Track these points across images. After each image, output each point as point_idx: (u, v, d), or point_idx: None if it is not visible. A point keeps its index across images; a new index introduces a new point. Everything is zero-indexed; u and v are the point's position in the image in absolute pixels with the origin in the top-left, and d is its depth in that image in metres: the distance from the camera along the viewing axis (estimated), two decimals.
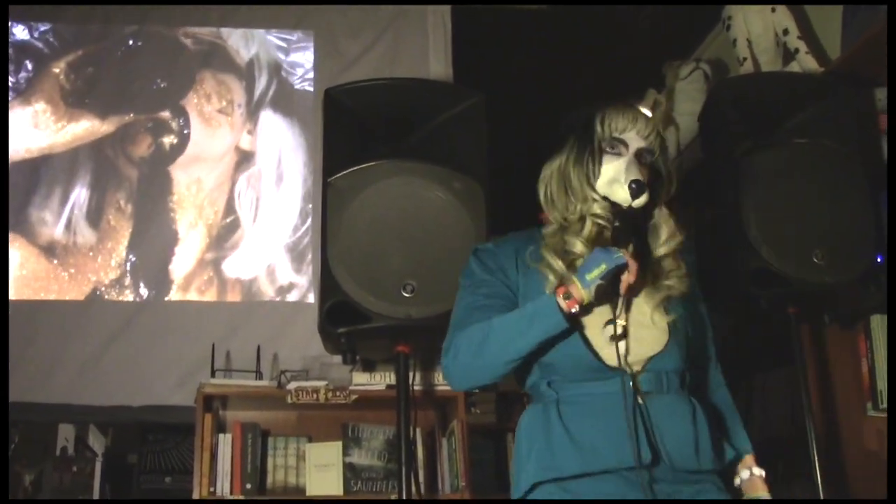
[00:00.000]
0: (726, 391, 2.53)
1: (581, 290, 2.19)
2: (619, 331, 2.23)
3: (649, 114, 2.45)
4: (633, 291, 2.28)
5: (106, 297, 4.70)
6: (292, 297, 4.77)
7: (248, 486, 3.87)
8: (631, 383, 2.23)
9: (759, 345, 4.04)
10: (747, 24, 4.52)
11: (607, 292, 2.21)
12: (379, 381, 3.94)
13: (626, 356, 2.24)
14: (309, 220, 4.85)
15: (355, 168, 3.27)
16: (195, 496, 3.79)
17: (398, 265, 3.18)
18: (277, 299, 4.76)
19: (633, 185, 2.29)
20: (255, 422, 4.01)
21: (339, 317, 3.14)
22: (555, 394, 2.29)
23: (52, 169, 4.83)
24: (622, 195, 2.31)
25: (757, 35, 4.48)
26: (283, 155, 5.00)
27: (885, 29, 3.57)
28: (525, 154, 5.88)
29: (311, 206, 4.84)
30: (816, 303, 3.41)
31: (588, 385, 2.26)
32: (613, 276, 2.19)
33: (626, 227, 2.29)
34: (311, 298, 4.67)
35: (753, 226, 3.28)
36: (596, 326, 2.27)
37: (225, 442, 3.91)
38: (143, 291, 4.73)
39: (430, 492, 3.92)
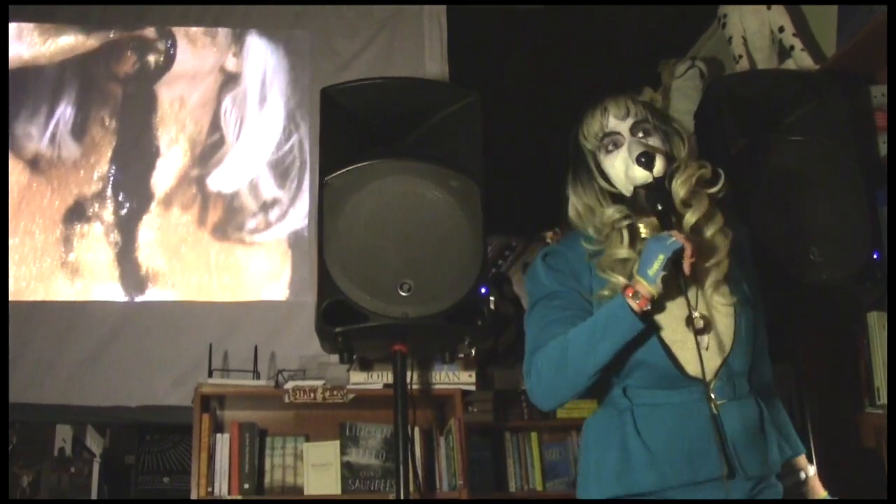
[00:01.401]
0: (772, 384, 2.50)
1: (648, 287, 2.17)
2: (701, 324, 2.24)
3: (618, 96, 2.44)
4: (697, 273, 2.25)
5: (87, 211, 4.76)
6: (273, 215, 4.83)
7: (246, 485, 3.86)
8: (707, 390, 2.19)
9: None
10: (743, 22, 4.53)
11: (673, 280, 2.18)
12: (376, 380, 3.94)
13: (702, 361, 2.18)
14: (293, 138, 4.93)
15: (352, 167, 3.27)
16: (193, 496, 3.79)
17: (395, 264, 3.18)
18: (260, 215, 4.82)
19: (642, 159, 2.27)
20: (252, 421, 4.01)
21: (336, 316, 3.14)
22: (629, 402, 2.27)
23: (38, 85, 4.89)
24: (641, 175, 2.28)
25: (752, 33, 4.49)
26: (268, 77, 5.06)
27: (881, 26, 3.58)
28: (521, 152, 5.91)
29: (293, 124, 4.93)
30: (813, 300, 3.41)
31: (663, 394, 2.24)
32: (674, 263, 2.16)
33: (667, 205, 2.26)
34: (294, 221, 4.80)
35: (749, 223, 3.28)
36: (672, 325, 2.25)
37: (222, 442, 3.90)
38: (125, 205, 4.79)
39: (428, 490, 3.92)
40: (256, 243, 4.81)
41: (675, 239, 2.16)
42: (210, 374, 4.14)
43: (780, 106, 3.56)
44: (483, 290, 3.25)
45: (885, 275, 3.37)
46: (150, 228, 4.79)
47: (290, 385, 3.93)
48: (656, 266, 2.15)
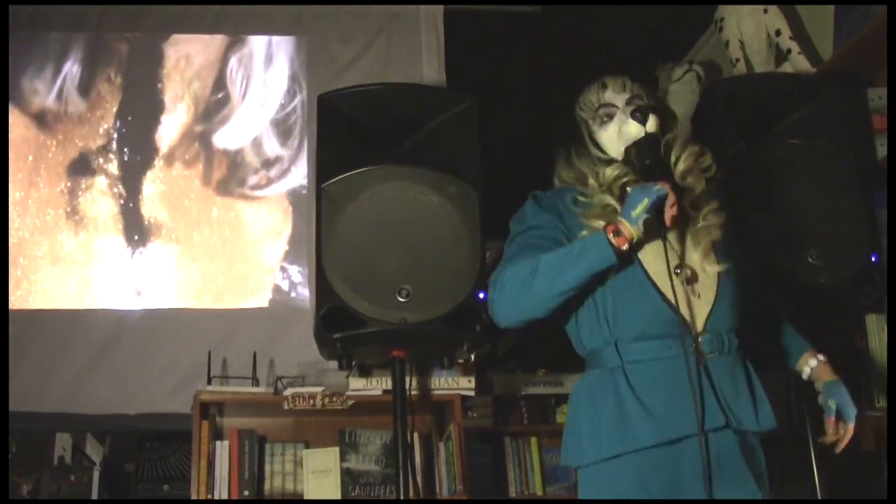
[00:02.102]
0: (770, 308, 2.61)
1: (629, 227, 2.23)
2: (689, 273, 2.30)
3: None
4: (677, 224, 2.32)
5: (91, 163, 4.84)
6: (274, 172, 4.92)
7: (246, 492, 3.86)
8: (694, 346, 2.26)
9: (754, 345, 4.04)
10: (739, 26, 4.54)
11: (654, 227, 2.25)
12: (375, 386, 3.93)
13: (690, 309, 2.28)
14: (297, 99, 5.02)
15: (349, 173, 3.26)
16: None
17: (393, 270, 3.18)
18: (262, 172, 4.90)
19: (637, 114, 2.36)
20: (251, 428, 4.00)
21: (335, 322, 3.14)
22: (619, 359, 2.30)
23: (46, 43, 4.96)
24: (634, 129, 2.37)
25: (749, 36, 4.49)
26: (274, 38, 5.14)
27: (878, 28, 3.58)
28: (520, 157, 5.90)
29: (297, 86, 5.02)
30: (811, 302, 3.40)
31: (654, 346, 2.27)
32: (657, 209, 2.23)
33: (655, 159, 2.34)
34: (295, 179, 4.91)
35: (746, 225, 3.28)
36: (657, 274, 2.29)
37: (222, 449, 3.90)
38: (130, 159, 4.88)
39: (428, 496, 3.92)
40: (258, 198, 4.92)
41: (660, 186, 2.24)
42: (209, 381, 4.14)
43: (778, 109, 3.56)
44: (481, 296, 3.25)
45: (884, 278, 3.37)
46: (153, 183, 4.88)
47: (289, 392, 3.93)
48: (640, 208, 2.23)
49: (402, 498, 3.17)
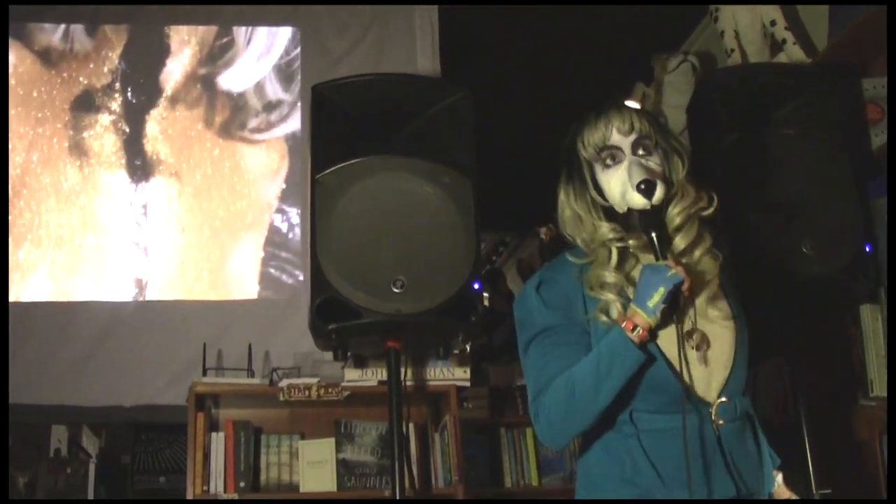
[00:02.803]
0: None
1: (647, 319, 2.15)
2: (698, 340, 2.23)
3: (628, 104, 2.40)
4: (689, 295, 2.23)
5: (95, 101, 4.94)
6: (275, 116, 5.03)
7: (242, 484, 3.86)
8: (710, 410, 2.22)
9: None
10: (735, 16, 4.53)
11: (669, 312, 2.17)
12: (371, 377, 3.94)
13: (699, 369, 2.23)
14: (300, 48, 5.12)
15: (343, 164, 3.26)
16: (189, 495, 3.79)
17: (388, 261, 3.18)
18: (263, 115, 5.02)
19: (643, 186, 2.22)
20: (247, 420, 4.00)
21: (330, 313, 3.14)
22: (634, 428, 2.25)
23: None
24: (639, 202, 2.23)
25: (744, 26, 4.49)
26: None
27: (873, 18, 3.59)
28: (515, 148, 5.90)
29: (300, 34, 5.13)
30: (806, 293, 3.41)
31: (669, 419, 2.21)
32: (674, 296, 2.15)
33: (661, 232, 2.23)
34: (294, 123, 5.01)
35: (742, 216, 3.28)
36: (670, 349, 2.22)
37: (218, 440, 3.90)
38: (134, 98, 4.99)
39: (424, 487, 3.92)
40: (258, 141, 5.02)
41: (675, 272, 2.14)
42: (204, 373, 4.14)
43: (773, 99, 3.55)
44: (476, 286, 3.25)
45: (879, 267, 3.38)
46: (156, 122, 4.98)
47: (284, 383, 3.93)
48: (656, 299, 2.13)
49: (397, 488, 3.18)
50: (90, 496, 5.22)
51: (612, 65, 5.28)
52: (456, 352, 3.81)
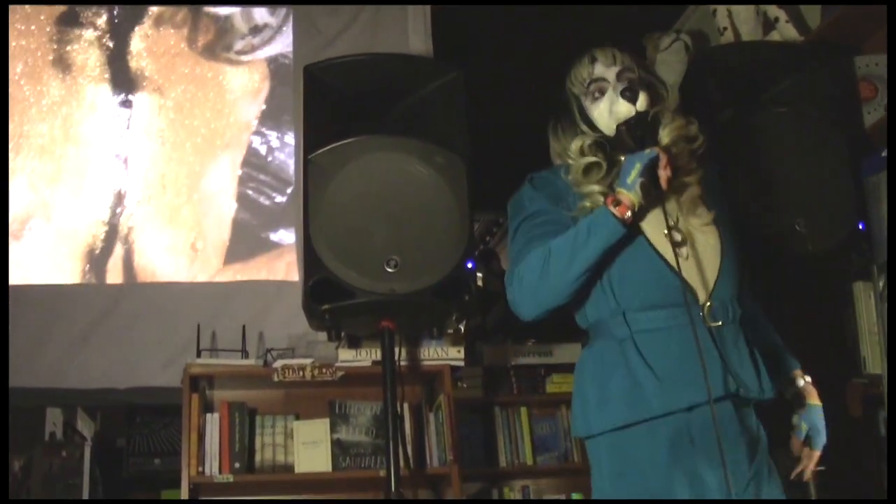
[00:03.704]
0: (760, 309, 2.59)
1: (627, 194, 2.23)
2: (679, 237, 2.30)
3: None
4: (673, 187, 2.31)
5: (80, 17, 4.94)
6: (259, 39, 5.05)
7: (237, 465, 3.86)
8: (702, 313, 2.26)
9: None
10: None
11: (651, 191, 2.25)
12: (365, 357, 3.94)
13: (683, 264, 2.27)
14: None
15: (336, 144, 3.27)
16: (184, 476, 3.79)
17: (381, 241, 3.18)
18: (248, 38, 5.02)
19: (627, 93, 2.33)
20: (242, 401, 4.00)
21: (324, 294, 3.14)
22: (628, 329, 2.29)
23: None
24: (625, 109, 2.34)
25: (737, 5, 4.47)
26: None
27: None
28: (507, 128, 5.88)
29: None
30: (799, 270, 3.42)
31: (662, 316, 2.27)
32: (651, 172, 2.23)
33: (646, 131, 2.33)
34: (277, 46, 5.04)
35: (734, 194, 3.28)
36: (660, 243, 2.29)
37: (212, 422, 3.90)
38: (119, 15, 5.00)
39: (418, 466, 3.93)
40: (241, 62, 5.03)
41: (651, 150, 2.25)
42: (198, 355, 4.13)
43: (765, 77, 3.56)
44: (470, 265, 3.26)
45: (870, 245, 3.39)
46: (141, 39, 4.98)
47: (278, 364, 3.93)
48: (634, 174, 2.23)
49: (392, 468, 3.19)
50: (85, 479, 5.23)
51: (604, 43, 5.25)
52: (450, 331, 3.81)
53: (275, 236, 4.85)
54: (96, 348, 4.51)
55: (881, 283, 3.46)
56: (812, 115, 3.47)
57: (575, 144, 2.41)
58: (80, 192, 4.77)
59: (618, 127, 2.37)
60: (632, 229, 2.27)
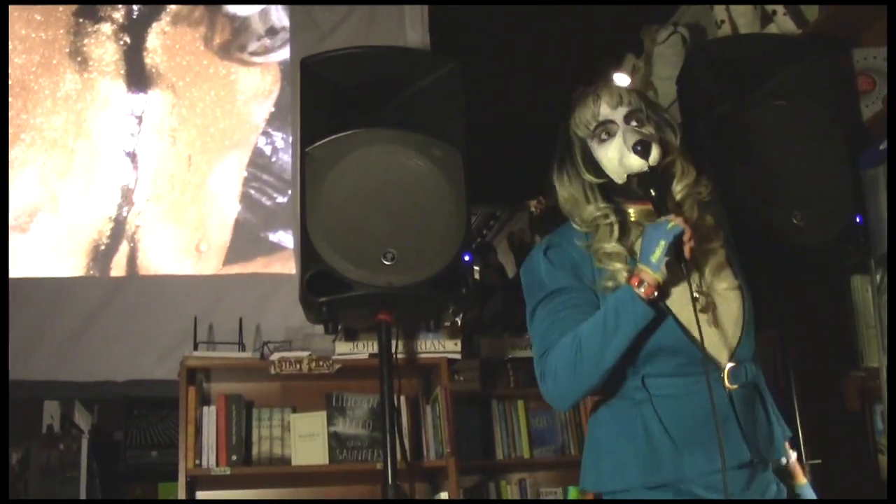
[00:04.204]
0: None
1: (653, 274, 2.15)
2: (704, 303, 2.23)
3: (615, 79, 2.42)
4: (696, 260, 2.24)
5: (98, 10, 4.99)
6: (274, 41, 5.11)
7: (234, 457, 3.86)
8: (722, 375, 2.22)
9: None
10: None
11: (675, 265, 2.17)
12: (362, 350, 3.94)
13: (708, 332, 2.22)
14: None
15: (333, 137, 3.26)
16: (181, 469, 3.79)
17: (378, 233, 3.18)
18: (264, 39, 5.10)
19: (638, 147, 2.23)
20: (239, 394, 4.00)
21: (321, 286, 3.14)
22: (647, 393, 2.24)
23: None
24: (636, 164, 2.25)
25: None
26: None
27: None
28: (504, 121, 5.89)
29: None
30: (797, 264, 3.42)
31: (682, 382, 2.22)
32: (675, 248, 2.15)
33: (661, 191, 2.25)
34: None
35: (731, 188, 3.28)
36: (682, 311, 2.23)
37: (209, 414, 3.90)
38: (136, 11, 5.06)
39: (415, 459, 3.93)
40: (254, 63, 5.09)
41: (675, 223, 2.15)
42: (195, 347, 4.14)
43: (763, 70, 3.55)
44: (467, 258, 3.26)
45: (868, 238, 3.39)
46: (158, 36, 5.03)
47: (275, 356, 3.93)
48: (658, 252, 2.14)
49: (389, 461, 3.19)
50: (83, 472, 5.23)
51: (602, 36, 5.25)
52: (447, 324, 3.82)
53: (274, 237, 4.87)
54: (93, 341, 4.52)
55: (878, 277, 3.46)
56: (810, 108, 3.47)
57: (587, 213, 2.33)
58: (89, 187, 4.79)
59: (629, 177, 2.29)
60: (657, 307, 2.19)
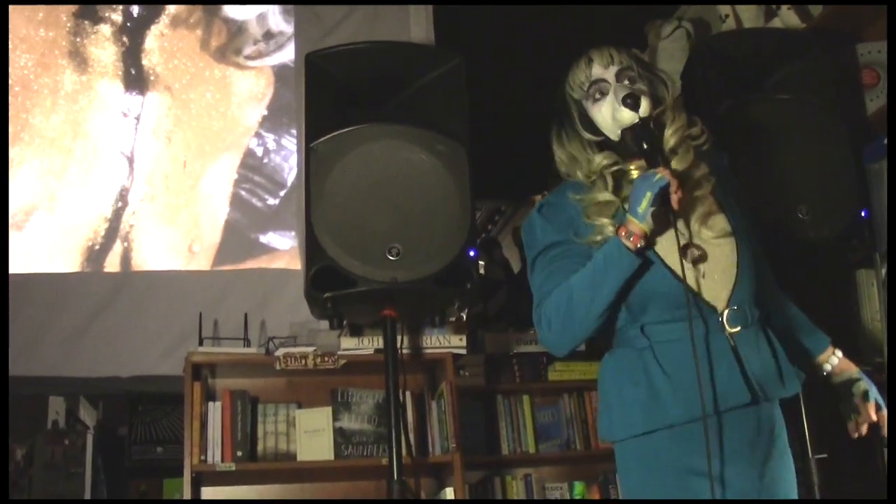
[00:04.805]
0: (785, 295, 2.60)
1: (639, 224, 2.22)
2: (696, 254, 2.30)
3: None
4: (685, 210, 2.31)
5: (98, 11, 5.02)
6: (270, 45, 5.11)
7: (239, 453, 3.86)
8: (721, 320, 2.28)
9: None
10: None
11: (663, 216, 2.24)
12: (367, 345, 3.94)
13: (701, 281, 2.29)
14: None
15: (338, 133, 3.26)
16: (186, 465, 3.79)
17: (383, 229, 3.18)
18: (260, 43, 5.09)
19: (628, 101, 2.31)
20: (244, 389, 4.00)
21: (325, 282, 3.15)
22: (647, 340, 2.31)
23: None
24: (627, 116, 2.32)
25: None
26: None
27: None
28: (511, 116, 5.88)
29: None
30: (801, 258, 3.41)
31: (680, 328, 2.26)
32: (662, 198, 2.22)
33: (653, 143, 2.31)
34: (287, 53, 5.10)
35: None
36: (671, 259, 2.29)
37: (214, 410, 3.89)
38: (135, 13, 5.09)
39: (421, 454, 3.93)
40: (249, 67, 5.10)
41: (660, 175, 2.22)
42: (201, 343, 4.14)
43: (767, 65, 3.55)
44: (471, 253, 3.26)
45: (873, 233, 3.38)
46: (156, 38, 5.05)
47: (280, 352, 3.93)
48: (644, 203, 2.21)
49: (394, 456, 3.19)
50: (88, 468, 5.24)
51: (606, 31, 5.23)
52: (452, 319, 3.81)
53: (264, 238, 4.87)
54: (98, 337, 4.52)
55: (884, 271, 3.46)
56: (814, 102, 3.47)
57: (598, 162, 2.39)
58: (85, 187, 4.79)
59: (622, 132, 2.35)
60: (644, 256, 2.27)
